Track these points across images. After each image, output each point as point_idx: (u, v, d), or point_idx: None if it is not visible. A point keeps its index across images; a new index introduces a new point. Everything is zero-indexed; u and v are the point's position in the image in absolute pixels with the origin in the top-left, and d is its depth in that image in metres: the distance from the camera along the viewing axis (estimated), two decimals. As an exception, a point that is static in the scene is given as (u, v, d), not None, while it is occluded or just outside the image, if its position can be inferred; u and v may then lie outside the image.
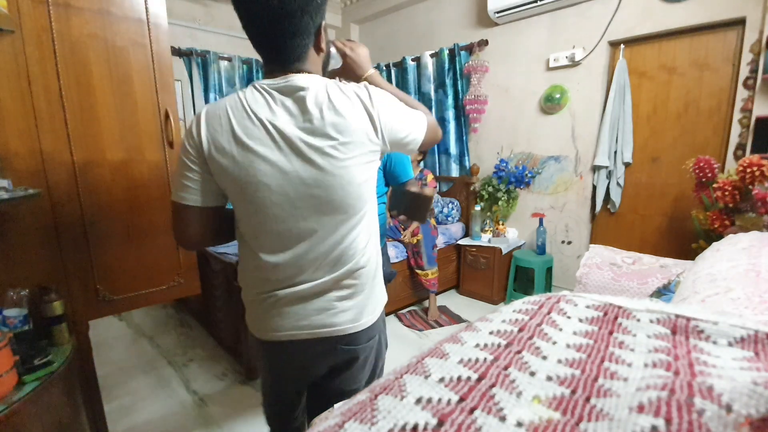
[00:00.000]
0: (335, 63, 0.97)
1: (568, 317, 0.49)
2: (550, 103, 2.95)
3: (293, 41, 0.78)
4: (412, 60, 3.68)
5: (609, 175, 2.77)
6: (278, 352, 0.92)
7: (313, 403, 1.05)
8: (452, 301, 3.24)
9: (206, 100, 3.43)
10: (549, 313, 0.50)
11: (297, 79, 0.78)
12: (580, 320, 0.48)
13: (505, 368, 0.38)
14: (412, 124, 0.88)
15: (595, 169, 2.81)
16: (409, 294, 3.01)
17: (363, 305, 0.89)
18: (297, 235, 0.82)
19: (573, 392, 0.33)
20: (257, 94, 0.79)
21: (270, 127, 0.77)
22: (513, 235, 3.25)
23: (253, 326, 0.93)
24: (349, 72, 0.97)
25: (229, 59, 3.51)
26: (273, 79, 0.79)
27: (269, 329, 0.89)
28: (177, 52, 3.21)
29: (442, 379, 0.36)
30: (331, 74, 0.97)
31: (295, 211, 0.80)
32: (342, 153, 0.78)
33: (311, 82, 0.78)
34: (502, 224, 3.25)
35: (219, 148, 0.78)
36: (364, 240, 0.87)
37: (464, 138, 3.49)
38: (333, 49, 0.96)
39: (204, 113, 0.81)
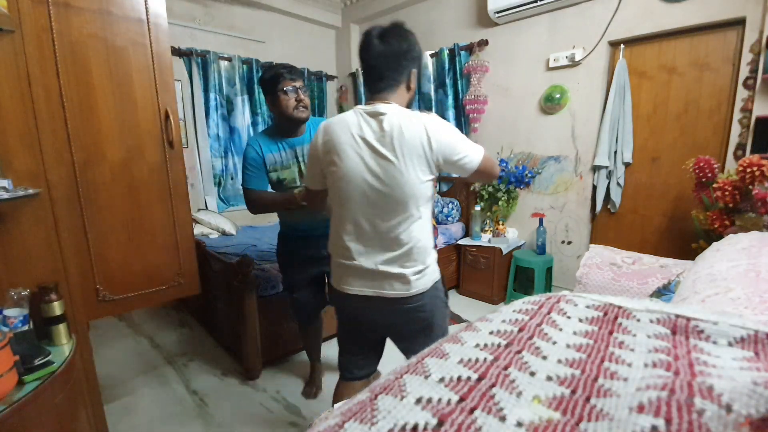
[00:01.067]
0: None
1: (568, 317, 0.49)
2: (550, 103, 2.95)
3: (384, 82, 1.15)
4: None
5: (609, 175, 2.76)
6: (347, 301, 1.25)
7: (404, 352, 1.35)
8: (452, 301, 3.24)
9: (206, 100, 3.43)
10: (549, 313, 0.50)
11: (380, 107, 1.11)
12: (580, 320, 0.48)
13: (505, 368, 0.38)
14: (467, 150, 1.12)
15: (595, 169, 2.81)
16: (409, 294, 3.01)
17: (414, 280, 1.16)
18: (361, 216, 1.14)
19: (573, 392, 0.33)
20: (354, 117, 1.14)
21: (358, 138, 1.11)
22: (513, 235, 3.25)
23: (335, 281, 1.27)
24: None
25: (229, 59, 3.51)
26: (367, 105, 1.14)
27: (343, 284, 1.22)
28: (177, 52, 3.21)
29: (442, 379, 0.36)
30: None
31: (363, 199, 1.13)
32: (400, 161, 1.08)
33: (390, 110, 1.10)
34: (502, 224, 3.25)
35: (326, 151, 1.16)
36: (417, 230, 1.14)
37: (464, 138, 3.49)
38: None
39: (323, 127, 1.19)
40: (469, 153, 1.13)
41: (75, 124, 1.44)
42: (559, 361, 0.39)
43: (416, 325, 1.23)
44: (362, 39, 1.15)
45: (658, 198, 2.66)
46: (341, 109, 4.48)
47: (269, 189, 1.74)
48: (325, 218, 1.89)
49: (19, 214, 1.25)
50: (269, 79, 1.62)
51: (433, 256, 1.23)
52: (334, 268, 1.27)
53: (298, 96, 1.62)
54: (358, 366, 1.39)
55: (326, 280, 1.96)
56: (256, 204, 1.71)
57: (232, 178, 3.69)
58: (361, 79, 4.02)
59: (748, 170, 1.74)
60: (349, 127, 1.12)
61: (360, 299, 1.21)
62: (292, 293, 1.95)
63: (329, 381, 2.14)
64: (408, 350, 1.30)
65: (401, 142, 1.07)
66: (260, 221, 3.67)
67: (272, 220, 3.73)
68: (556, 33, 2.87)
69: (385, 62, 1.13)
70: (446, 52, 3.40)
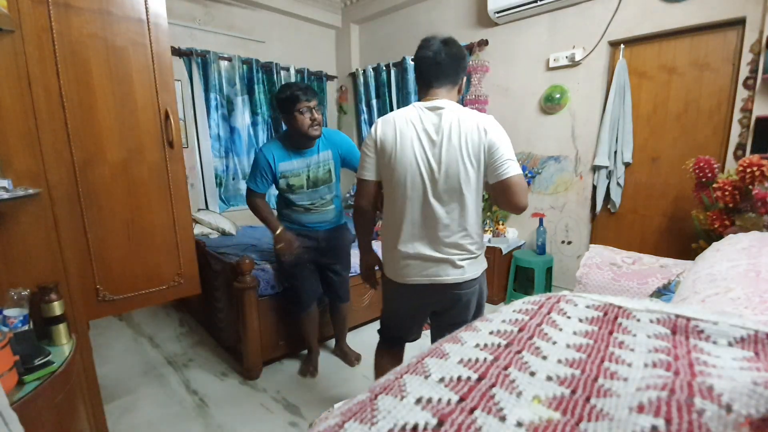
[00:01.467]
0: None
1: (568, 317, 0.49)
2: (550, 103, 2.95)
3: (444, 80, 1.27)
4: (412, 60, 3.67)
5: (609, 175, 2.76)
6: (403, 290, 1.34)
7: (436, 331, 1.46)
8: (452, 301, 3.23)
9: (206, 100, 3.43)
10: (549, 313, 0.50)
11: (438, 102, 1.25)
12: (580, 320, 0.48)
13: (505, 368, 0.38)
14: (509, 157, 1.19)
15: (595, 169, 2.81)
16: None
17: (466, 265, 1.27)
18: (418, 204, 1.24)
19: (573, 392, 0.33)
20: (414, 111, 1.26)
21: (419, 130, 1.23)
22: (513, 235, 3.25)
23: (390, 272, 1.37)
24: None
25: (229, 59, 3.51)
26: (424, 101, 1.27)
27: (401, 275, 1.32)
28: (177, 52, 3.21)
29: (442, 379, 0.36)
30: None
31: (421, 186, 1.23)
32: (455, 150, 1.19)
33: (448, 105, 1.24)
34: (502, 224, 3.25)
35: (385, 141, 1.26)
36: (470, 218, 1.24)
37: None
38: None
39: (380, 121, 1.30)
40: (510, 161, 1.19)
41: (75, 124, 1.44)
42: (559, 361, 0.39)
43: (465, 308, 1.34)
44: (425, 42, 1.29)
45: (658, 198, 2.66)
46: (341, 109, 4.48)
47: (271, 191, 1.92)
48: (322, 214, 1.98)
49: (19, 214, 1.25)
50: (286, 99, 1.74)
51: (483, 246, 1.34)
52: (389, 260, 1.36)
53: (312, 115, 1.76)
54: (397, 339, 1.51)
55: (321, 274, 2.10)
56: (252, 207, 1.94)
57: (233, 179, 3.69)
58: (361, 80, 4.04)
59: (748, 170, 1.74)
60: (409, 120, 1.24)
61: (417, 288, 1.31)
62: (291, 281, 2.06)
63: (326, 368, 2.19)
64: (450, 329, 1.42)
65: (458, 133, 1.19)
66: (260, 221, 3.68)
67: (272, 220, 3.73)
68: (556, 33, 2.87)
69: (449, 62, 1.26)
70: (446, 52, 3.39)
